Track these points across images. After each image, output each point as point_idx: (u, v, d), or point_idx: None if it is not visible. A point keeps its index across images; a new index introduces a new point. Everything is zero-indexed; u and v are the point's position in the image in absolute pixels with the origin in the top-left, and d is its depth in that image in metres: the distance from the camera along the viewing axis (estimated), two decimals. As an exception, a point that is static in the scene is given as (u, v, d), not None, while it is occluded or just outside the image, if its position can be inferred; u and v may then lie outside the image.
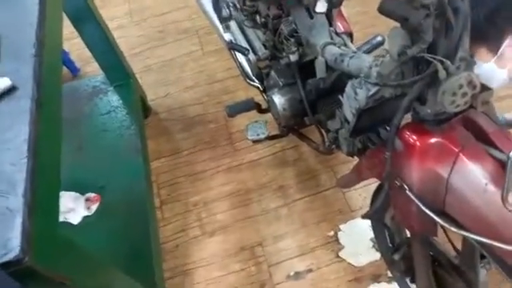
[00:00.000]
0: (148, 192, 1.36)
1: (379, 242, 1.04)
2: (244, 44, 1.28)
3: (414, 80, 0.59)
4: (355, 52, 0.89)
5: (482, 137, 0.61)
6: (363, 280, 1.20)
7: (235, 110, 1.25)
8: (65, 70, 1.85)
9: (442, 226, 0.65)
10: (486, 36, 0.81)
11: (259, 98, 1.31)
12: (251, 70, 1.28)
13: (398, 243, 0.92)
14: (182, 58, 1.92)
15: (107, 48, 1.48)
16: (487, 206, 0.57)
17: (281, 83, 1.12)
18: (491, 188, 0.57)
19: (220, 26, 1.37)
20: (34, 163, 0.62)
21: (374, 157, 0.81)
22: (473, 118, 0.62)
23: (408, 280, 0.98)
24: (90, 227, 1.20)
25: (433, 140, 0.62)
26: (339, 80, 0.96)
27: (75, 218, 1.19)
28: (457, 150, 0.60)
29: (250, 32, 1.30)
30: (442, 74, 0.53)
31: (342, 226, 1.31)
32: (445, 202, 0.63)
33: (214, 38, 1.86)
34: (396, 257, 0.89)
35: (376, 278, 1.19)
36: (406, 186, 0.66)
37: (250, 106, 1.25)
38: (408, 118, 0.68)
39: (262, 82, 1.26)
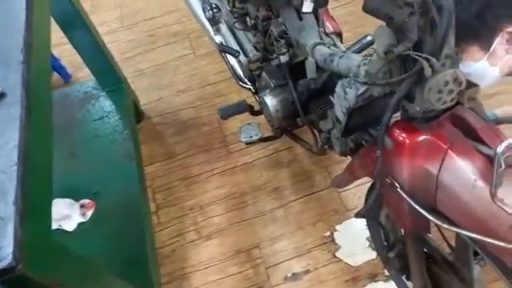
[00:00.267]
0: (142, 197, 1.36)
1: (374, 240, 1.05)
2: (235, 46, 1.29)
3: (402, 78, 0.59)
4: (344, 52, 0.90)
5: (470, 133, 0.61)
6: (360, 279, 1.20)
7: (228, 112, 1.25)
8: (56, 76, 1.85)
9: (435, 223, 0.66)
10: (477, 34, 0.81)
11: (252, 100, 1.31)
12: (243, 72, 1.28)
13: (393, 241, 0.92)
14: (174, 62, 1.92)
15: (98, 53, 1.48)
16: (477, 202, 0.57)
17: (272, 84, 1.12)
18: (480, 184, 0.57)
19: (211, 29, 1.37)
20: (25, 170, 0.62)
21: (366, 156, 0.82)
22: (461, 115, 0.62)
23: (404, 278, 0.98)
24: (86, 234, 1.19)
25: (422, 137, 0.62)
26: (330, 80, 0.96)
27: (70, 225, 1.19)
28: (445, 147, 0.60)
29: (240, 34, 1.30)
30: (427, 71, 0.54)
31: (337, 226, 1.31)
32: (435, 198, 0.63)
33: (205, 41, 1.86)
34: (391, 255, 0.89)
35: (373, 277, 1.20)
36: (396, 184, 0.67)
37: (243, 108, 1.25)
38: (398, 116, 0.68)
39: (253, 84, 1.26)
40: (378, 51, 0.61)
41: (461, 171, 0.59)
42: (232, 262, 1.31)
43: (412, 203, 0.64)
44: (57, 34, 1.40)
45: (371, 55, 0.68)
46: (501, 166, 0.52)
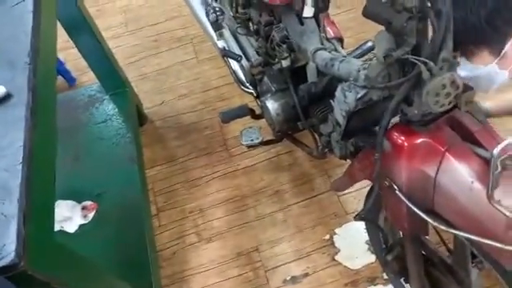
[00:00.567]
0: (144, 199, 1.37)
1: (373, 243, 1.05)
2: (237, 51, 1.30)
3: (400, 82, 0.60)
4: (345, 56, 0.91)
5: (468, 136, 0.62)
6: (359, 283, 1.21)
7: (229, 116, 1.27)
8: (61, 80, 1.87)
9: (433, 226, 0.67)
10: (488, 39, 0.81)
11: (254, 104, 1.32)
12: (245, 77, 1.30)
13: (392, 244, 0.92)
14: (177, 67, 1.94)
15: (102, 57, 1.50)
16: (474, 204, 0.58)
17: (274, 89, 1.14)
18: (477, 186, 0.58)
19: (214, 34, 1.39)
20: (29, 170, 0.63)
21: (365, 158, 0.83)
22: (458, 118, 0.63)
23: (402, 280, 0.99)
24: (87, 235, 1.20)
25: (420, 140, 0.63)
26: (330, 84, 0.97)
27: (71, 227, 1.19)
28: (443, 150, 0.61)
29: (243, 39, 1.32)
30: (425, 74, 0.55)
31: (337, 230, 1.32)
32: (433, 200, 0.64)
33: (208, 46, 1.88)
34: (389, 257, 0.90)
35: (372, 281, 1.20)
36: (395, 186, 0.68)
37: (244, 112, 1.26)
38: (397, 120, 0.69)
39: (255, 88, 1.27)
40: (378, 55, 0.63)
41: (458, 173, 0.60)
42: (232, 265, 1.31)
43: (410, 205, 0.65)
44: (62, 38, 1.43)
45: (371, 60, 0.70)
46: (497, 169, 0.53)
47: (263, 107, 1.15)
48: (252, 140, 1.22)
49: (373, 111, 0.75)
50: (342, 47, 1.08)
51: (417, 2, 0.53)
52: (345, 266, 1.24)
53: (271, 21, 1.07)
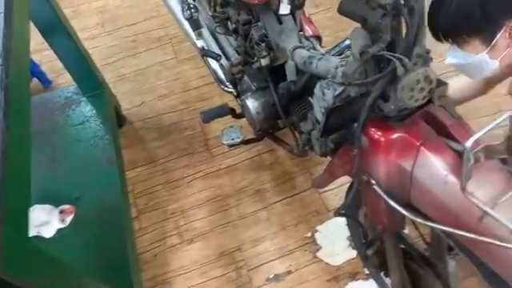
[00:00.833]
0: (124, 202, 1.35)
1: (354, 238, 1.07)
2: (217, 50, 1.30)
3: (376, 78, 0.61)
4: (323, 54, 0.92)
5: (442, 130, 0.64)
6: (341, 279, 1.22)
7: (210, 115, 1.26)
8: (37, 82, 1.82)
9: (411, 220, 0.68)
10: (480, 27, 0.84)
11: (234, 104, 1.32)
12: (225, 76, 1.29)
13: (371, 239, 0.94)
14: (156, 67, 1.92)
15: (79, 58, 1.47)
16: (448, 196, 0.60)
17: (254, 87, 1.14)
18: (451, 179, 0.59)
19: (192, 34, 1.38)
20: (2, 173, 0.61)
21: (345, 155, 0.84)
22: (432, 113, 0.65)
23: (382, 274, 1.00)
24: (65, 239, 1.17)
25: (396, 135, 0.64)
26: (310, 82, 0.98)
27: (49, 231, 1.17)
28: (418, 144, 0.63)
29: (222, 39, 1.31)
30: (400, 70, 0.56)
31: (318, 227, 1.33)
32: (410, 194, 0.66)
33: (187, 46, 1.87)
34: (370, 252, 0.91)
35: (353, 276, 1.22)
36: (373, 181, 0.69)
37: (225, 111, 1.26)
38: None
39: (235, 87, 1.27)
40: (354, 52, 0.64)
41: (433, 167, 0.61)
42: (214, 265, 1.31)
43: (388, 199, 0.66)
44: (36, 40, 1.39)
45: (348, 57, 0.71)
46: (470, 161, 0.54)
47: (243, 106, 1.15)
48: (233, 139, 1.21)
49: (351, 108, 0.76)
50: (320, 45, 1.10)
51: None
52: (326, 263, 1.26)
53: (249, 20, 1.07)
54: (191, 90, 1.80)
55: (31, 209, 1.19)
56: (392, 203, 0.65)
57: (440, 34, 0.90)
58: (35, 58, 1.81)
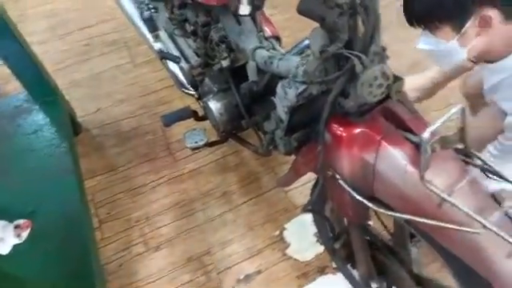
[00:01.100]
0: (84, 212, 1.29)
1: (321, 233, 1.09)
2: (176, 53, 1.28)
3: (337, 75, 0.63)
4: (283, 54, 0.93)
5: (400, 124, 0.66)
6: (310, 274, 1.24)
7: (171, 119, 1.24)
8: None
9: (374, 210, 0.70)
10: (452, 14, 0.85)
11: (196, 106, 1.31)
12: (185, 79, 1.28)
13: (338, 232, 0.96)
14: (112, 71, 1.86)
15: (28, 64, 1.40)
16: (408, 186, 0.62)
17: (215, 89, 1.13)
18: (411, 169, 0.62)
19: (149, 36, 1.36)
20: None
21: (309, 152, 0.86)
22: (391, 108, 0.68)
23: (350, 267, 1.03)
24: (23, 255, 1.10)
25: (357, 130, 0.67)
26: (271, 82, 0.99)
27: (4, 248, 1.09)
28: (379, 138, 0.65)
29: (180, 41, 1.30)
30: (358, 67, 0.58)
31: (286, 225, 1.35)
32: (373, 186, 0.68)
33: (144, 50, 1.83)
34: (337, 245, 0.94)
35: (322, 271, 1.24)
36: (337, 176, 0.71)
37: (187, 114, 1.25)
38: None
39: (196, 90, 1.26)
40: (314, 51, 0.65)
41: (393, 159, 0.64)
42: (183, 271, 1.29)
43: (352, 193, 0.69)
44: (-21, 44, 1.31)
45: (308, 56, 0.72)
46: (427, 152, 0.57)
47: (206, 108, 1.15)
48: (196, 142, 1.20)
49: (313, 106, 0.77)
50: (280, 46, 1.11)
51: (347, -1, 0.56)
52: (295, 259, 1.27)
53: (208, 21, 1.06)
54: (150, 94, 1.76)
55: (-18, 226, 1.12)
56: (357, 196, 0.68)
57: (413, 20, 0.91)
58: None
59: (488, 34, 0.86)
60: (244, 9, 0.86)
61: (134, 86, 1.80)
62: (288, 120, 0.82)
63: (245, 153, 1.53)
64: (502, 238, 0.55)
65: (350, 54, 0.59)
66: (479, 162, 0.63)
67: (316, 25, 0.63)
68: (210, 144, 1.25)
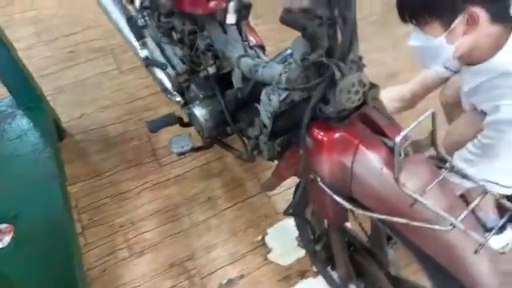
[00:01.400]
0: (67, 218, 1.28)
1: (302, 236, 1.12)
2: (162, 60, 1.30)
3: (317, 82, 0.67)
4: (267, 62, 0.97)
5: (376, 128, 0.70)
6: (292, 278, 1.26)
7: (157, 125, 1.26)
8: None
9: (353, 213, 0.74)
10: (441, 10, 0.87)
11: (181, 112, 1.33)
12: (171, 85, 1.30)
13: (319, 234, 1.00)
14: (97, 78, 1.87)
15: (13, 69, 1.40)
16: (384, 187, 0.66)
17: (201, 96, 1.16)
18: (386, 171, 0.66)
19: (136, 44, 1.38)
20: None
21: (292, 157, 0.89)
22: (368, 114, 0.72)
23: (330, 269, 1.06)
24: (5, 259, 1.10)
25: (337, 135, 0.70)
26: (255, 89, 1.02)
27: (-15, 252, 1.09)
28: (356, 142, 0.69)
29: (167, 48, 1.32)
30: (337, 75, 0.62)
31: (268, 230, 1.37)
32: (351, 188, 0.71)
33: (129, 56, 1.85)
34: (317, 248, 0.97)
35: (303, 274, 1.27)
36: (318, 179, 0.74)
37: (172, 120, 1.27)
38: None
39: (182, 96, 1.29)
40: (296, 59, 0.69)
41: (370, 162, 0.68)
42: (166, 276, 1.29)
43: (332, 194, 0.72)
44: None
45: (291, 63, 0.76)
46: (400, 155, 0.61)
47: (191, 114, 1.17)
48: (182, 147, 1.22)
49: (295, 111, 0.81)
50: (264, 54, 1.15)
51: (326, 10, 0.60)
52: (277, 264, 1.30)
53: (195, 30, 1.10)
54: (136, 101, 1.78)
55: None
56: (336, 197, 0.71)
57: (406, 14, 0.94)
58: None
59: (475, 33, 0.89)
60: (230, 18, 0.89)
61: (120, 92, 1.81)
62: (271, 125, 0.85)
63: (229, 158, 1.56)
64: (469, 234, 0.59)
65: (330, 61, 0.63)
66: (449, 165, 0.67)
67: (298, 34, 0.67)
68: (195, 149, 1.27)
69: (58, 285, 1.11)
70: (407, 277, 0.93)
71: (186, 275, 1.30)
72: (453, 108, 1.25)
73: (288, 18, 0.64)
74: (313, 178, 0.76)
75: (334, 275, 1.09)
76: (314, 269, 1.26)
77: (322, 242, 0.96)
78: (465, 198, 1.05)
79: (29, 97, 1.50)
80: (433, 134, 0.64)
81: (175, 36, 1.20)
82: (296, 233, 1.17)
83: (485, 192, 0.63)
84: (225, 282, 1.27)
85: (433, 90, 1.30)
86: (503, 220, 0.69)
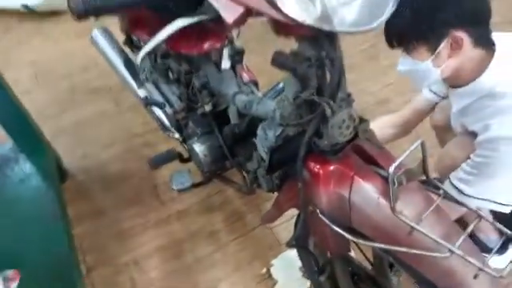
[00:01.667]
0: (73, 260, 1.29)
1: (306, 267, 1.12)
2: (159, 99, 1.34)
3: (309, 119, 0.70)
4: (261, 98, 1.00)
5: (369, 159, 0.73)
6: (299, 309, 1.25)
7: (158, 161, 1.28)
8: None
9: (353, 241, 0.75)
10: (426, 35, 0.91)
11: (180, 149, 1.36)
12: (169, 123, 1.33)
13: (323, 265, 1.00)
14: (97, 118, 1.91)
15: (14, 114, 1.44)
16: (381, 217, 0.68)
17: (199, 132, 1.19)
18: (382, 201, 0.68)
19: (134, 84, 1.42)
20: None
21: (290, 189, 0.91)
22: (360, 145, 0.74)
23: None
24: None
25: (332, 167, 0.73)
26: (251, 124, 1.05)
27: (-9, 301, 1.09)
28: (352, 174, 0.71)
29: (164, 87, 1.36)
30: (328, 112, 0.65)
31: (273, 261, 1.37)
32: (350, 218, 0.73)
33: (127, 95, 1.88)
34: (322, 278, 0.97)
35: (309, 306, 1.26)
36: (318, 210, 0.76)
37: (172, 156, 1.29)
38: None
39: (181, 133, 1.31)
40: (288, 97, 0.72)
41: (366, 192, 0.70)
42: (173, 314, 1.29)
43: (332, 226, 0.73)
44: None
45: (284, 100, 0.79)
46: (394, 184, 0.63)
47: (191, 150, 1.19)
48: (182, 184, 1.24)
49: (291, 145, 0.83)
50: (258, 89, 1.19)
51: (314, 53, 0.64)
52: (283, 296, 1.29)
53: (190, 69, 1.14)
54: (135, 138, 1.81)
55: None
56: (336, 228, 0.72)
57: (393, 40, 0.97)
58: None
59: (459, 57, 0.93)
60: (226, 63, 0.93)
61: (119, 130, 1.84)
62: (269, 159, 0.87)
63: (229, 192, 1.57)
64: (467, 260, 0.60)
65: (320, 100, 0.66)
66: (442, 191, 0.69)
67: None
68: (195, 185, 1.29)
69: (64, 330, 1.10)
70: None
71: (193, 312, 1.29)
72: (444, 132, 1.28)
73: (278, 61, 0.67)
74: (312, 210, 0.77)
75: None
76: (321, 299, 1.25)
77: (326, 272, 0.97)
78: (463, 221, 1.06)
79: (30, 140, 1.52)
80: (424, 162, 0.66)
81: (171, 76, 1.25)
82: (300, 263, 1.16)
83: (479, 217, 0.65)
84: (232, 316, 1.26)
85: (425, 115, 1.33)
86: (501, 241, 0.71)
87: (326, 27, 0.58)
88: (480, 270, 0.62)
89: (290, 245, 0.91)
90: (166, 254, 1.42)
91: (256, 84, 1.20)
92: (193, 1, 0.74)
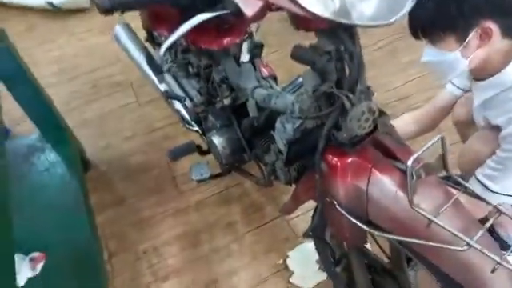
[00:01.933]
0: (95, 246, 1.34)
1: (322, 259, 1.13)
2: (179, 92, 1.37)
3: (328, 112, 0.71)
4: (280, 92, 1.02)
5: (388, 152, 0.73)
6: (314, 301, 1.27)
7: (177, 153, 1.31)
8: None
9: (370, 234, 0.76)
10: (455, 25, 0.91)
11: (199, 141, 1.38)
12: (189, 116, 1.36)
13: (339, 256, 1.01)
14: (119, 110, 1.96)
15: (41, 106, 1.49)
16: (399, 210, 0.68)
17: (218, 125, 1.21)
18: (400, 194, 0.68)
19: (155, 78, 1.45)
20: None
21: (308, 181, 0.92)
22: (379, 139, 0.75)
23: (351, 291, 1.07)
24: (38, 287, 1.15)
25: (350, 160, 0.73)
26: (270, 117, 1.07)
27: (20, 280, 1.14)
28: (370, 166, 0.72)
29: (183, 81, 1.39)
30: (347, 105, 0.66)
31: (289, 253, 1.38)
32: (367, 211, 0.74)
33: (148, 90, 1.92)
34: (338, 269, 0.98)
35: (325, 297, 1.27)
36: (335, 202, 0.77)
37: (192, 148, 1.32)
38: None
39: (200, 126, 1.34)
40: (307, 90, 0.73)
41: (384, 185, 0.70)
42: (191, 301, 1.32)
43: (349, 217, 0.74)
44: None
45: (302, 94, 0.80)
46: (413, 178, 0.64)
47: (210, 143, 1.22)
48: (202, 175, 1.26)
49: (310, 138, 0.84)
50: (277, 84, 1.20)
51: (333, 47, 0.64)
52: (299, 287, 1.30)
53: (210, 64, 1.16)
54: (155, 131, 1.85)
55: None
56: (353, 220, 0.73)
57: (419, 31, 0.97)
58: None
59: (487, 47, 0.92)
60: (245, 57, 0.95)
61: (140, 123, 1.88)
62: (287, 152, 0.88)
63: (247, 184, 1.59)
64: (485, 254, 0.60)
65: (339, 92, 0.67)
66: (462, 186, 0.69)
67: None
68: (214, 176, 1.32)
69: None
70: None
71: (210, 300, 1.32)
72: (466, 126, 1.26)
73: (298, 54, 0.68)
74: (329, 202, 0.78)
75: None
76: (336, 291, 1.26)
77: (343, 264, 0.98)
78: (485, 217, 1.05)
79: (55, 132, 1.58)
80: (444, 157, 0.67)
81: (191, 70, 1.27)
82: (316, 255, 1.18)
83: (499, 212, 0.65)
84: (248, 306, 1.29)
85: (449, 111, 1.31)
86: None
87: (344, 21, 0.59)
88: (498, 264, 0.62)
89: (307, 235, 0.92)
90: (184, 242, 1.46)
91: (275, 78, 1.21)
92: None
